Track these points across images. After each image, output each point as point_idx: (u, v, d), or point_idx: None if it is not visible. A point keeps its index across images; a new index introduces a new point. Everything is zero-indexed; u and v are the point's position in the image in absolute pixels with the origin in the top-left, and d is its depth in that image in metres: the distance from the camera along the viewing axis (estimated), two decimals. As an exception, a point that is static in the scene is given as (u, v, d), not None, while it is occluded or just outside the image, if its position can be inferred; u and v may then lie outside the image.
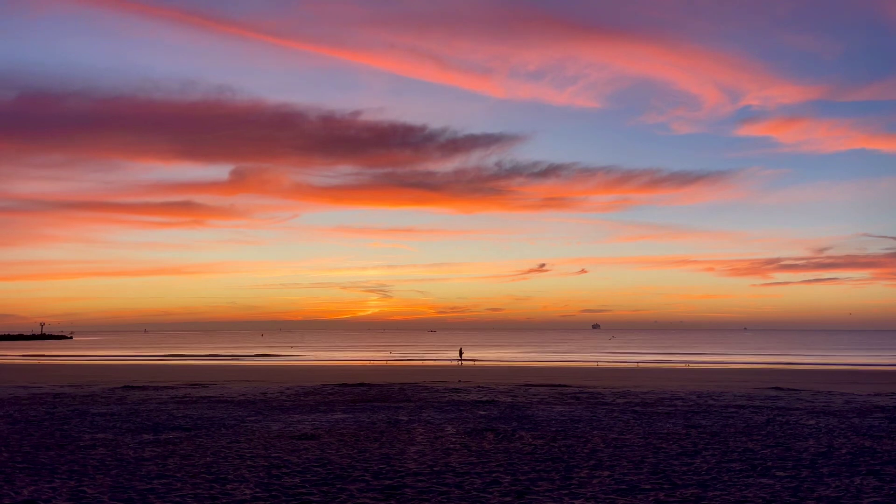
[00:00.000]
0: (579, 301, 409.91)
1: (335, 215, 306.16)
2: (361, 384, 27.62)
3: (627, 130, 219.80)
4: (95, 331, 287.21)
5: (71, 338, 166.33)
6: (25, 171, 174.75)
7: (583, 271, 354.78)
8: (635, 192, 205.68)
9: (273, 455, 12.01)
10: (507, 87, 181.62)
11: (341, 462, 11.38)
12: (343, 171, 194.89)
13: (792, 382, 30.40)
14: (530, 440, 13.55)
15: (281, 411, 18.63)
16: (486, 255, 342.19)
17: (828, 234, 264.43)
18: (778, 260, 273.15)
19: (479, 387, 26.38)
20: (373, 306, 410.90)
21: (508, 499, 8.94)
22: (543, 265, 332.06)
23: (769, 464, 11.14)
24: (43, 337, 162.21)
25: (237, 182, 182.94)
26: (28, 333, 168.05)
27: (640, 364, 54.17)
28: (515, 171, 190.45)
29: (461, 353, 59.05)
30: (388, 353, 76.50)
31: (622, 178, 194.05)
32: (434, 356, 69.04)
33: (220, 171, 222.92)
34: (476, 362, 55.11)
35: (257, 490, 9.38)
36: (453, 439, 13.67)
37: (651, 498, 8.94)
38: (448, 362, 56.62)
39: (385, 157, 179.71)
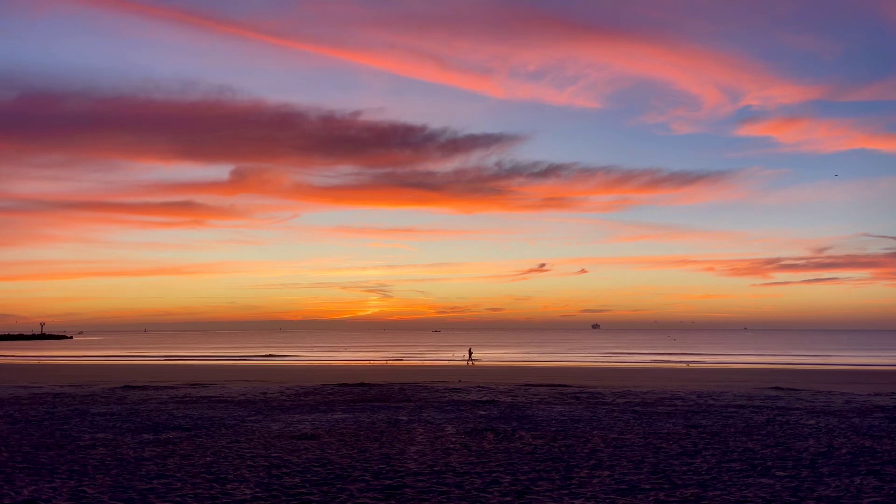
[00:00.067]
0: (579, 301, 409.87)
1: (335, 215, 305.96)
2: (361, 384, 27.63)
3: (627, 130, 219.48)
4: (95, 331, 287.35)
5: (71, 338, 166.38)
6: (25, 171, 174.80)
7: (583, 271, 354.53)
8: (635, 192, 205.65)
9: (273, 455, 12.02)
10: (507, 87, 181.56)
11: (341, 462, 11.39)
12: (343, 171, 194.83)
13: (792, 382, 30.40)
14: (530, 440, 13.56)
15: (281, 411, 18.64)
16: (486, 255, 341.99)
17: (828, 234, 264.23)
18: (778, 260, 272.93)
19: (479, 387, 26.39)
20: (373, 306, 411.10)
21: (508, 499, 8.94)
22: (543, 265, 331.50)
23: (769, 464, 11.14)
24: (43, 337, 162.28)
25: (237, 182, 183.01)
26: (28, 333, 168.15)
27: (640, 364, 54.20)
28: (515, 171, 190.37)
29: (470, 354, 58.78)
30: (391, 354, 76.40)
31: (622, 178, 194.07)
32: (435, 356, 69.07)
33: (220, 171, 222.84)
34: (476, 362, 55.12)
35: (257, 490, 9.39)
36: (453, 439, 13.68)
37: (651, 498, 8.95)
38: (448, 362, 56.64)
39: (385, 157, 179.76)
